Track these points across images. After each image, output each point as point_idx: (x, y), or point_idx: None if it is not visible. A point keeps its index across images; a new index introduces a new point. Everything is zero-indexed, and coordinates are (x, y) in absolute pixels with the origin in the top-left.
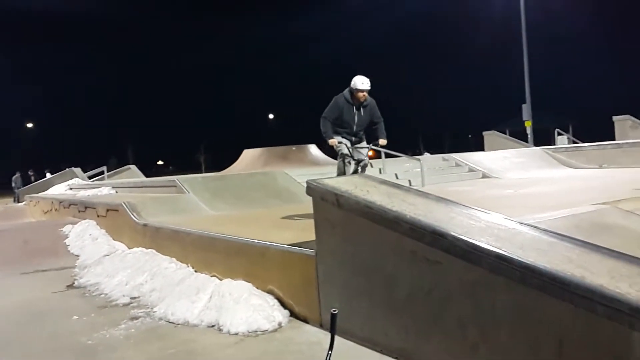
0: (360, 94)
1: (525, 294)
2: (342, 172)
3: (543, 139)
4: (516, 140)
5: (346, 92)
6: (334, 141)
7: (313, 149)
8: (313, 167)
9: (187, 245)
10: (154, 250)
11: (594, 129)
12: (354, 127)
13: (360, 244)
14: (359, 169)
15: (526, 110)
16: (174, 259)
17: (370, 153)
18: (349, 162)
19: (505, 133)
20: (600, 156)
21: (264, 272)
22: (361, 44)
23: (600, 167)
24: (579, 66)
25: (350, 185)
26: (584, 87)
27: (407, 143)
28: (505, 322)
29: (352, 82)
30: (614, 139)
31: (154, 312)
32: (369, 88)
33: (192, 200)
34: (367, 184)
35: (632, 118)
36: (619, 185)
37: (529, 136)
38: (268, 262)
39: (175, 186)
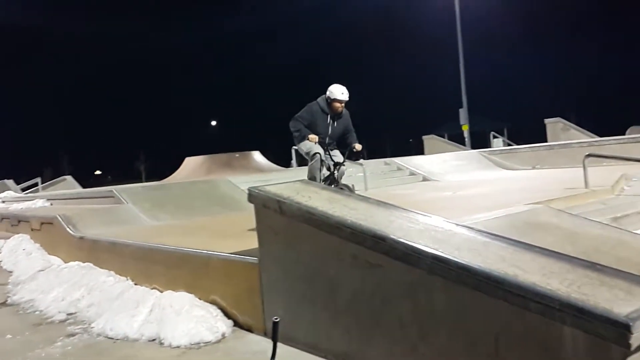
0: (338, 105)
1: (462, 294)
2: (313, 176)
3: (480, 141)
4: (454, 143)
5: (321, 100)
6: (314, 137)
7: (257, 155)
8: (257, 174)
9: (126, 258)
10: (91, 264)
11: (527, 131)
12: (326, 139)
13: (303, 250)
14: (336, 172)
15: (463, 114)
16: (112, 272)
17: None
18: (322, 165)
19: (444, 137)
20: (534, 157)
21: (207, 283)
22: (300, 49)
23: (534, 168)
24: (513, 70)
25: (292, 192)
26: (518, 91)
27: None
28: (444, 321)
29: (330, 91)
30: (546, 141)
31: (92, 327)
32: (347, 99)
33: (131, 211)
34: (308, 189)
35: (563, 120)
36: (551, 185)
37: (466, 139)
38: (210, 272)
39: (113, 197)
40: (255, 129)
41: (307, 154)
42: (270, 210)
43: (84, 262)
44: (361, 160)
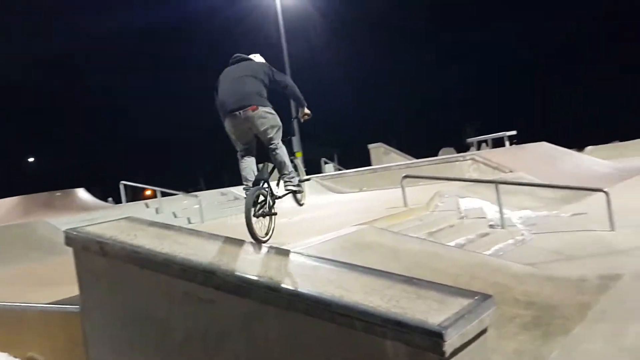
0: None
1: (294, 320)
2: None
3: (314, 167)
4: None
5: None
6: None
7: (81, 193)
8: (82, 213)
9: None
10: None
11: (355, 156)
12: None
13: (130, 293)
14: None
15: (295, 142)
16: None
17: (149, 192)
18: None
19: None
20: (360, 180)
21: (22, 338)
22: (119, 73)
23: (361, 190)
24: (340, 98)
25: (116, 231)
26: (344, 117)
27: (186, 180)
28: (278, 350)
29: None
30: (370, 164)
31: None
32: None
33: None
34: (134, 227)
35: (384, 145)
36: (376, 205)
37: None
38: (26, 326)
39: None
40: (81, 165)
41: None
42: (90, 253)
43: None
44: (196, 193)
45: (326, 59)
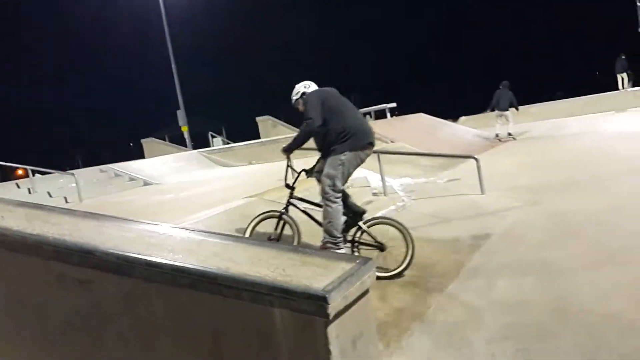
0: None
1: (180, 296)
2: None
3: (202, 142)
4: (175, 145)
5: None
6: None
7: None
8: None
9: None
10: None
11: (243, 129)
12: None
13: (1, 279)
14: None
15: (181, 115)
16: None
17: (21, 172)
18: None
19: (164, 139)
20: (250, 154)
21: None
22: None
23: (250, 163)
24: (225, 70)
25: None
26: (231, 91)
27: (62, 158)
28: (165, 327)
29: None
30: (259, 137)
31: None
32: (292, 101)
33: None
34: (1, 209)
35: (272, 118)
36: (265, 178)
37: (187, 140)
38: None
39: None
40: None
41: None
42: None
43: None
44: (73, 171)
45: (210, 31)
